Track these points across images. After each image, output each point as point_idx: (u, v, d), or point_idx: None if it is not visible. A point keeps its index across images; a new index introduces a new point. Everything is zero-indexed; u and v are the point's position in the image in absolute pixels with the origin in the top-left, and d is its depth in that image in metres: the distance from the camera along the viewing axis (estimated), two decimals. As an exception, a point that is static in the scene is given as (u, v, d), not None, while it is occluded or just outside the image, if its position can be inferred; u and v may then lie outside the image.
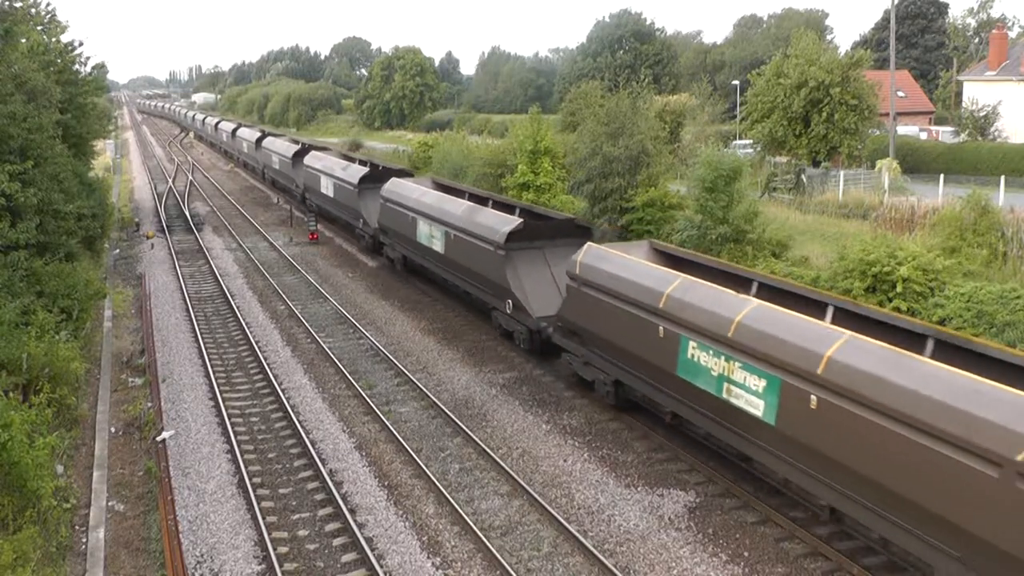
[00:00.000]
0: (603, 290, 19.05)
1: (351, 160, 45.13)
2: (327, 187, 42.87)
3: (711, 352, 15.57)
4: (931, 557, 12.18)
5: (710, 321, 15.71)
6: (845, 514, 13.92)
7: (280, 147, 57.50)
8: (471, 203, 28.42)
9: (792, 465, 14.38)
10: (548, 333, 22.52)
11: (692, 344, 16.10)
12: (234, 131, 78.71)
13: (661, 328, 16.95)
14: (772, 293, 16.58)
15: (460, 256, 26.92)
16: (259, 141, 64.90)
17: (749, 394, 14.76)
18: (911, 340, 13.92)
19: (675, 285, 17.10)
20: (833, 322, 15.03)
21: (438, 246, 28.53)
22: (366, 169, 39.50)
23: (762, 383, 14.42)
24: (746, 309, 15.23)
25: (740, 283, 17.45)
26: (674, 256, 20.09)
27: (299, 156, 51.36)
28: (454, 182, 37.75)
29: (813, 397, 13.35)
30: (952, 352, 13.33)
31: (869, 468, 12.57)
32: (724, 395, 15.33)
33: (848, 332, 13.72)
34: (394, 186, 33.65)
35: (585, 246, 20.75)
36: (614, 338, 18.78)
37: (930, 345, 13.72)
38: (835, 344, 13.38)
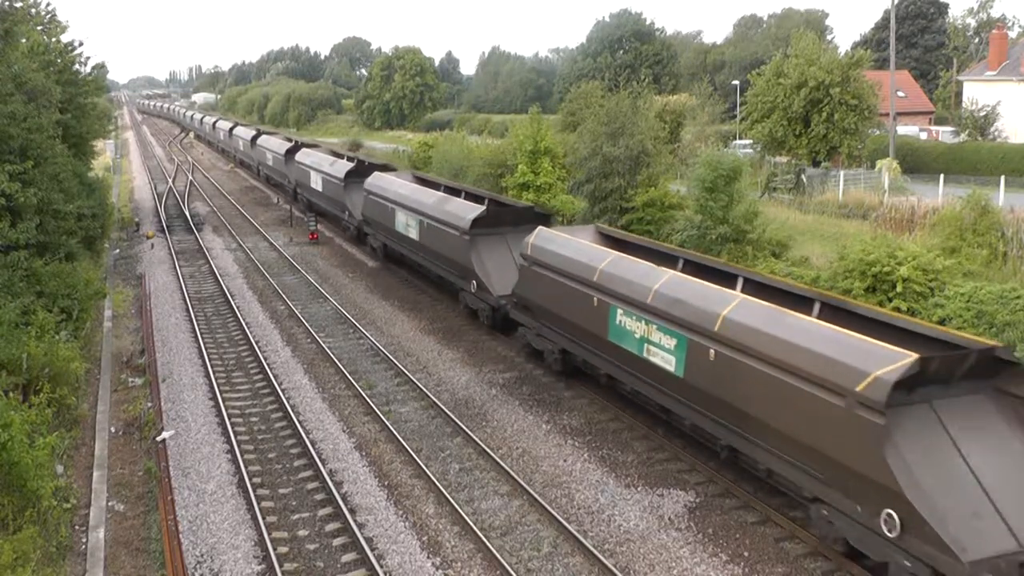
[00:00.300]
0: (550, 268, 21.38)
1: (338, 156, 46.91)
2: (316, 182, 45.19)
3: (634, 317, 18.01)
4: (802, 480, 14.27)
5: (633, 290, 18.15)
6: (739, 451, 15.92)
7: (273, 144, 59.91)
8: (444, 194, 30.77)
9: (697, 411, 16.65)
10: (506, 309, 24.54)
11: (620, 311, 18.52)
12: (231, 130, 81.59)
13: (595, 299, 19.32)
14: (694, 268, 18.90)
15: (432, 242, 29.22)
16: (254, 139, 67.28)
17: (664, 352, 17.10)
18: (803, 304, 16.05)
19: (607, 261, 19.61)
20: (743, 291, 17.03)
21: (413, 234, 30.80)
22: (351, 165, 41.68)
23: (673, 342, 16.76)
24: (663, 279, 17.75)
25: (669, 260, 19.61)
26: (615, 238, 22.52)
27: (291, 153, 53.17)
28: (434, 176, 39.73)
29: (711, 350, 15.59)
30: (835, 313, 15.53)
31: (755, 408, 14.77)
32: (645, 355, 17.68)
33: (741, 295, 16.12)
34: (376, 180, 35.87)
35: (536, 229, 23.05)
36: (559, 310, 21.11)
37: (816, 307, 15.86)
38: (730, 305, 15.71)
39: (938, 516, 11.79)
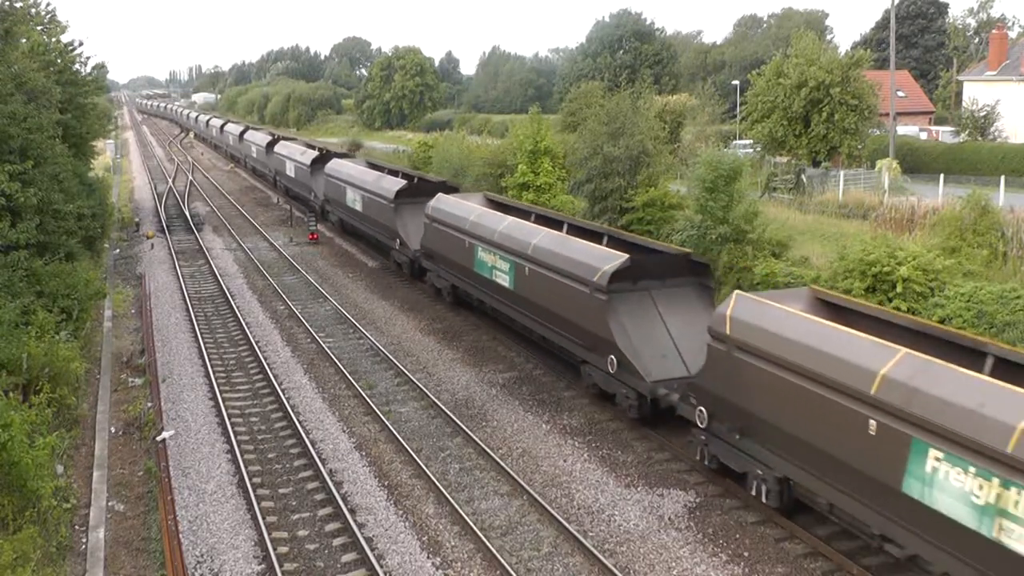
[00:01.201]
0: (442, 223, 28.31)
1: (310, 147, 54.94)
2: (291, 170, 53.09)
3: (488, 252, 25.04)
4: (570, 346, 21.46)
5: (488, 233, 25.11)
6: (546, 338, 22.98)
7: (258, 138, 69.37)
8: (380, 172, 38.73)
9: (520, 312, 23.81)
10: (419, 259, 31.19)
11: (480, 249, 25.48)
12: (222, 126, 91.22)
13: (467, 242, 26.24)
14: (550, 223, 25.18)
15: (369, 210, 37.05)
16: (242, 135, 76.31)
17: (503, 273, 24.08)
18: (594, 236, 23.14)
19: (477, 214, 26.45)
20: (567, 232, 23.77)
21: (358, 206, 38.49)
22: (316, 153, 50.06)
23: (507, 265, 23.81)
24: (505, 223, 24.79)
25: (524, 215, 26.51)
26: (499, 202, 29.50)
27: (271, 146, 61.37)
28: (380, 162, 47.36)
29: (527, 268, 22.67)
30: (618, 243, 22.36)
31: (552, 305, 21.67)
32: (493, 277, 24.76)
33: (544, 229, 23.37)
34: (335, 164, 43.25)
35: (436, 197, 29.99)
36: (448, 254, 28.20)
37: (605, 240, 22.70)
38: (536, 237, 22.89)
39: (636, 357, 18.68)
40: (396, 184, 34.48)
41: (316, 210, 46.33)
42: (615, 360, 19.19)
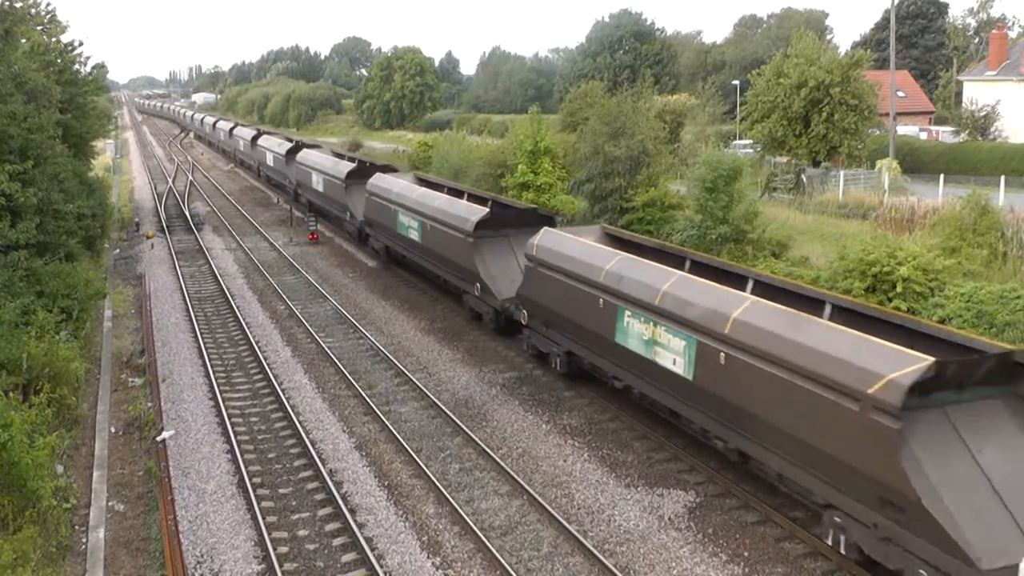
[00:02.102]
0: (379, 196, 34.03)
1: (288, 140, 61.20)
2: (271, 160, 59.64)
3: (405, 215, 31.15)
4: (454, 280, 27.62)
5: (407, 201, 31.32)
6: (441, 276, 29.22)
7: (244, 133, 75.93)
8: (347, 162, 43.17)
9: (425, 260, 30.08)
10: (360, 227, 37.75)
11: (401, 215, 31.60)
12: (215, 123, 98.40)
13: (392, 209, 32.49)
14: (454, 192, 31.11)
15: (330, 191, 42.54)
16: (231, 131, 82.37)
17: (415, 231, 30.14)
18: (482, 200, 28.54)
19: (401, 186, 33.21)
20: (472, 200, 28.78)
21: (320, 187, 44.51)
22: (291, 144, 55.98)
23: (417, 223, 29.95)
24: (418, 192, 31.10)
25: (439, 188, 32.03)
26: (424, 179, 35.34)
27: (255, 139, 68.16)
28: (343, 152, 54.43)
29: (428, 224, 28.80)
30: (497, 205, 27.79)
31: (443, 250, 27.62)
32: (408, 235, 30.93)
33: (443, 195, 29.65)
34: (304, 155, 49.56)
35: (375, 175, 35.98)
36: (383, 222, 33.73)
37: (490, 203, 27.74)
38: (436, 201, 29.10)
39: (492, 282, 24.42)
40: (345, 166, 40.39)
41: (291, 192, 51.67)
42: (479, 286, 25.56)
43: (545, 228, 23.40)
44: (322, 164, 45.00)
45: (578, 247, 20.83)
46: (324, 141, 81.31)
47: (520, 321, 23.60)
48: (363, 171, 39.15)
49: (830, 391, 13.02)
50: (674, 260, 19.41)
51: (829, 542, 13.99)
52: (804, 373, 13.52)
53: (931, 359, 12.20)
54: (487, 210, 26.33)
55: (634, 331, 17.94)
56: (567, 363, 21.71)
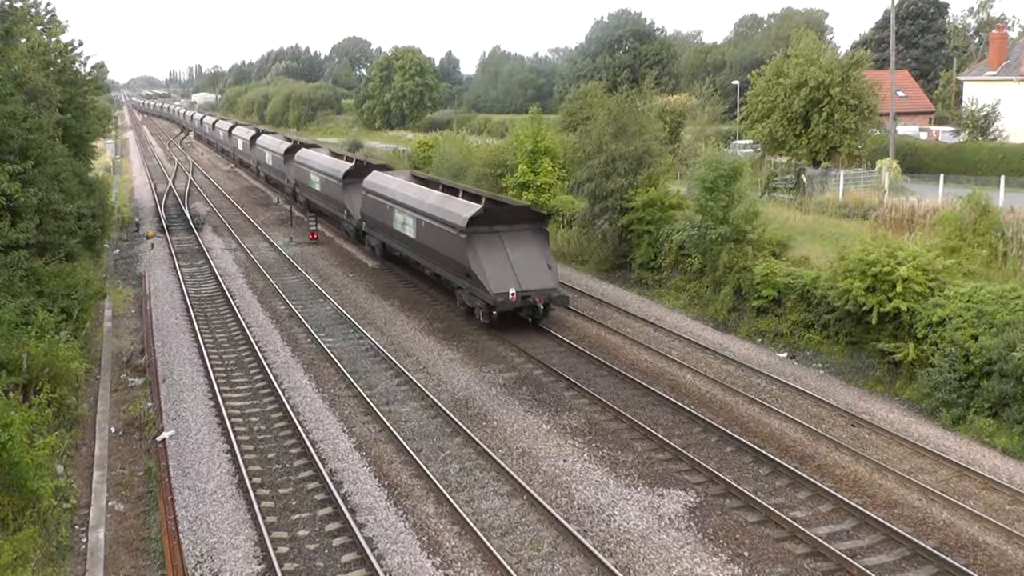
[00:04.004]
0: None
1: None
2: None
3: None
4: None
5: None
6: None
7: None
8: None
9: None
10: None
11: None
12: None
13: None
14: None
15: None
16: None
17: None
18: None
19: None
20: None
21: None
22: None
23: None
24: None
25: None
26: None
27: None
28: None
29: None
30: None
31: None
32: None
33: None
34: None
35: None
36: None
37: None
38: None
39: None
40: (283, 145, 47.19)
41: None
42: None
43: (374, 171, 37.92)
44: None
45: (388, 181, 35.67)
46: (324, 141, 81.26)
47: (366, 231, 37.11)
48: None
49: (448, 226, 27.55)
50: (433, 185, 33.32)
51: (459, 305, 28.44)
52: (443, 221, 28.07)
53: (479, 205, 27.19)
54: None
55: (399, 220, 32.74)
56: (383, 250, 36.68)
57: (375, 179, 36.46)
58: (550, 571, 14.07)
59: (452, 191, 31.37)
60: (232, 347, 25.96)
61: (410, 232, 31.36)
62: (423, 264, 31.45)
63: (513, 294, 25.60)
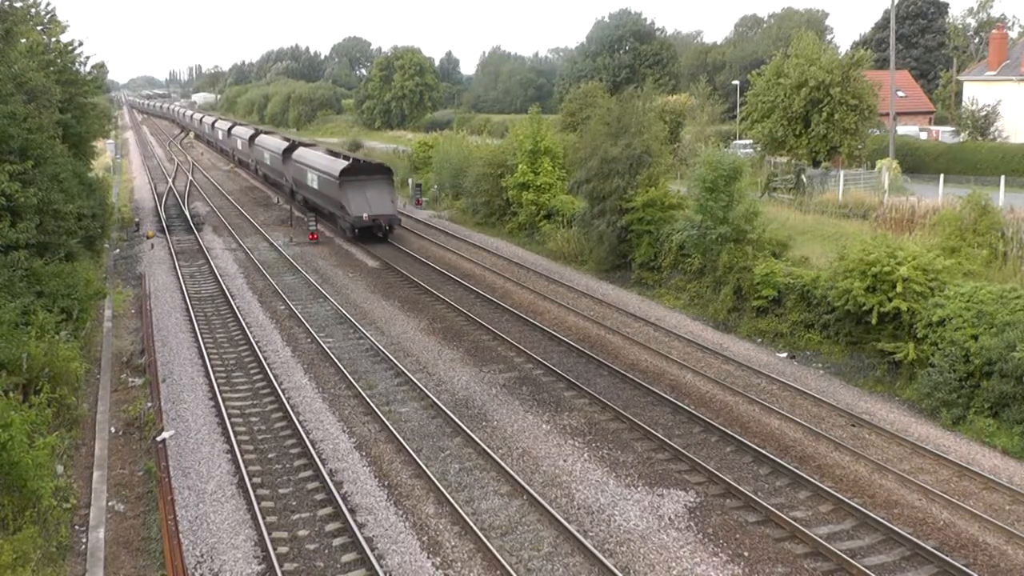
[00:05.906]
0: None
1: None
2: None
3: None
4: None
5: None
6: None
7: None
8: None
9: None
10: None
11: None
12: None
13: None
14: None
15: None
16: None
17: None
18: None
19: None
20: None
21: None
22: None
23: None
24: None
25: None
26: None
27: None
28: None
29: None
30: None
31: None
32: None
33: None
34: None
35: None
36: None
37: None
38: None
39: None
40: (248, 133, 50.11)
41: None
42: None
43: (299, 147, 53.78)
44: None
45: (306, 152, 50.32)
46: (324, 141, 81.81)
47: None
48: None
49: (329, 175, 42.92)
50: (333, 155, 47.53)
51: (339, 228, 44.28)
52: (328, 173, 43.15)
53: (346, 162, 43.94)
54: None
55: (310, 178, 46.76)
56: (305, 205, 49.48)
57: (299, 154, 51.54)
58: (550, 571, 14.07)
59: (335, 155, 48.05)
60: (232, 347, 25.96)
61: (315, 185, 45.91)
62: (319, 204, 46.61)
63: (367, 216, 40.37)
